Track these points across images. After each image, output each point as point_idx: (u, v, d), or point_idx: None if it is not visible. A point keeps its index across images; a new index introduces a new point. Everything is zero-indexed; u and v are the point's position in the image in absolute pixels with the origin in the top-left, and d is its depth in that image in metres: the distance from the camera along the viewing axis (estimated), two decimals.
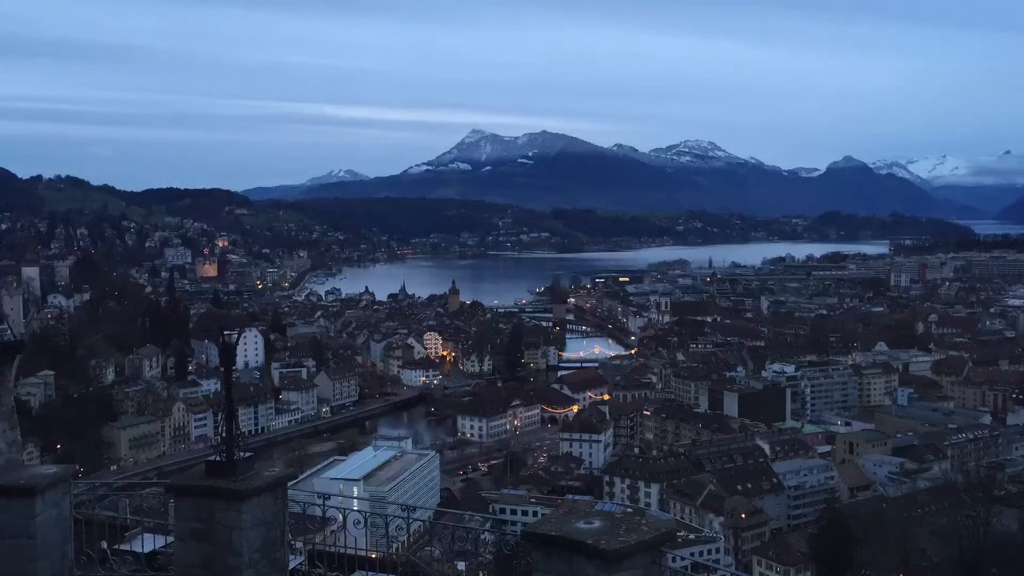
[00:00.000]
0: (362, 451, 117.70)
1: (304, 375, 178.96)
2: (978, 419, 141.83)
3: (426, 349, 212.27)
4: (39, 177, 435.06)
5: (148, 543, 11.86)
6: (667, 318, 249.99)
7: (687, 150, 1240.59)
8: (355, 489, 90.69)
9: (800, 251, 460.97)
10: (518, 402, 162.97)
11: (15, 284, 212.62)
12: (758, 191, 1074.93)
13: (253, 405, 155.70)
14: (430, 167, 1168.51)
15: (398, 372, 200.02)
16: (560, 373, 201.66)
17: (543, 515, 8.23)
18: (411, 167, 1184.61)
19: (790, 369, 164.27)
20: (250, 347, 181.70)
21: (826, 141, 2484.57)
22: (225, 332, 9.60)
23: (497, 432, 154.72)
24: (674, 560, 7.81)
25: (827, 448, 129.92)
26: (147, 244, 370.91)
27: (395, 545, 12.28)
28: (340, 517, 11.30)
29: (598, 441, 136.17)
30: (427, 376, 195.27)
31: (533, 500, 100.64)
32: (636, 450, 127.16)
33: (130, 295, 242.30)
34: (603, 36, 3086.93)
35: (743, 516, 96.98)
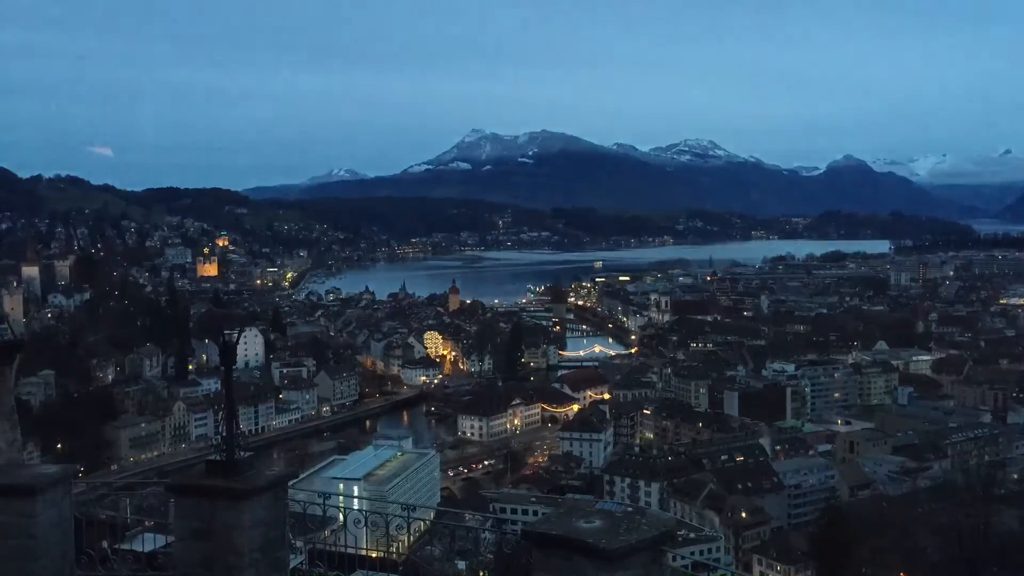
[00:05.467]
0: (362, 450, 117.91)
1: (304, 374, 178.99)
2: (978, 418, 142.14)
3: (426, 348, 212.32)
4: (39, 177, 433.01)
5: (148, 543, 11.88)
6: (667, 317, 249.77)
7: (687, 149, 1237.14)
8: (355, 488, 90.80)
9: (800, 250, 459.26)
10: (518, 401, 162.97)
11: (15, 284, 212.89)
12: (758, 190, 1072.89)
13: (253, 404, 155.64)
14: (430, 166, 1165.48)
15: (398, 371, 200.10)
16: (560, 372, 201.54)
17: (543, 514, 8.20)
18: (411, 166, 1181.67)
19: (790, 368, 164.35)
20: (250, 346, 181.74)
21: (826, 140, 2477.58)
22: (225, 331, 9.62)
23: (497, 431, 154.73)
24: (674, 559, 7.82)
25: (827, 447, 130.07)
26: (147, 244, 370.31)
27: (395, 545, 12.29)
28: (340, 516, 11.32)
29: (598, 440, 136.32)
30: (427, 375, 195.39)
31: (533, 499, 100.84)
32: (636, 449, 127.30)
33: (130, 295, 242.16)
34: (609, 72, 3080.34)
35: (743, 515, 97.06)
